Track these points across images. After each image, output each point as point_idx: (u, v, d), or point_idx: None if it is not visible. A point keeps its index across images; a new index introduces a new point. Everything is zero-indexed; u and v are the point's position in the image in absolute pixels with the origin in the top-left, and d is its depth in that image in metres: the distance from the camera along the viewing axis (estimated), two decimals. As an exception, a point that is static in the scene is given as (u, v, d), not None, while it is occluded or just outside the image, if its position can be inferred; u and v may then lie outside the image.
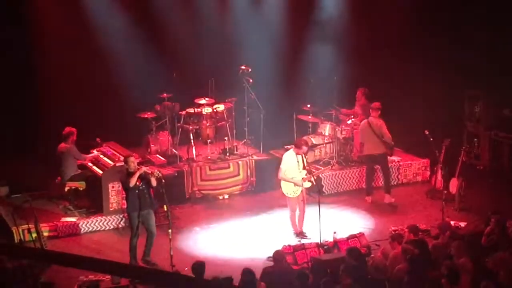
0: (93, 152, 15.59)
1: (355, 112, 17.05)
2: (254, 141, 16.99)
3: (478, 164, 17.46)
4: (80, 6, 16.97)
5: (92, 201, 15.05)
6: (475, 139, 17.42)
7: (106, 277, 12.05)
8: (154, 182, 12.85)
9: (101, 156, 15.40)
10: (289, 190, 13.93)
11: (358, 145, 16.48)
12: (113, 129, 16.63)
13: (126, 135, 16.77)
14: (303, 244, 13.37)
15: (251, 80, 16.53)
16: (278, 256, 11.63)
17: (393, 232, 13.53)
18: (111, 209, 14.66)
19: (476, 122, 17.73)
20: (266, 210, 15.41)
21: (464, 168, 15.48)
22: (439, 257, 11.38)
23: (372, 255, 13.01)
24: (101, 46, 17.08)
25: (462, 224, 14.32)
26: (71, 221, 14.53)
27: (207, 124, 16.45)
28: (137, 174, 12.79)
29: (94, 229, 14.56)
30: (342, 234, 13.56)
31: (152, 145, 16.48)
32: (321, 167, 15.85)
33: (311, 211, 13.94)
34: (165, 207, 12.82)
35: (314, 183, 14.02)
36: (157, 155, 16.31)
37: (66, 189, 14.99)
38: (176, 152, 16.29)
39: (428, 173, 16.84)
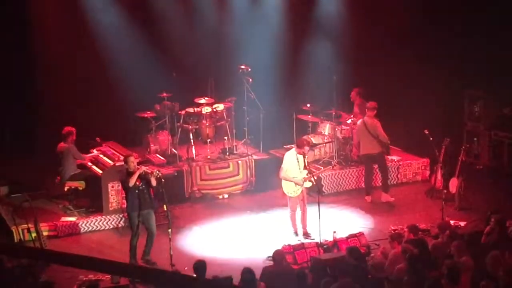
0: (93, 152, 15.59)
1: (354, 113, 17.05)
2: (253, 140, 16.99)
3: (478, 164, 17.46)
4: (80, 6, 16.98)
5: (91, 200, 15.04)
6: (475, 139, 17.42)
7: (106, 276, 12.04)
8: (154, 182, 12.84)
9: (101, 155, 15.39)
10: (290, 189, 13.93)
11: (357, 144, 16.49)
12: (112, 129, 16.65)
13: (125, 135, 16.78)
14: (302, 243, 13.36)
15: (250, 80, 16.53)
16: (277, 256, 11.62)
17: (392, 232, 13.53)
18: (110, 209, 14.65)
19: (476, 121, 17.72)
20: (266, 210, 15.40)
21: (464, 167, 15.47)
22: (439, 256, 11.37)
23: (372, 255, 13.01)
24: (101, 46, 17.08)
25: (462, 224, 14.31)
26: (70, 221, 14.51)
27: (207, 124, 16.44)
28: (136, 174, 12.78)
29: (93, 229, 14.55)
30: (342, 234, 13.54)
31: (151, 145, 16.47)
32: (321, 167, 15.85)
33: (311, 210, 13.94)
34: (164, 206, 12.82)
35: (315, 183, 14.02)
36: (157, 155, 16.30)
37: (66, 188, 14.98)
38: (176, 152, 16.28)
39: (428, 172, 16.83)
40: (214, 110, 16.57)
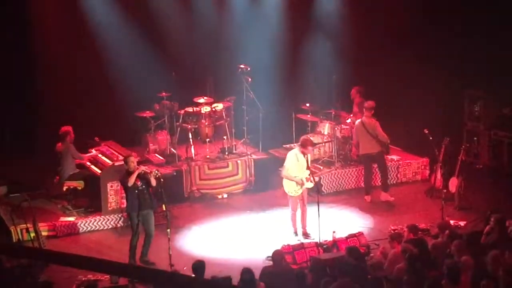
0: (92, 151, 15.57)
1: (353, 112, 17.03)
2: (253, 140, 16.97)
3: (477, 163, 17.44)
4: (79, 6, 16.97)
5: (90, 200, 15.02)
6: (475, 138, 17.39)
7: (105, 276, 12.04)
8: (153, 182, 12.83)
9: (100, 155, 15.37)
10: (291, 188, 13.91)
11: (356, 144, 16.46)
12: (112, 128, 16.63)
13: (125, 134, 16.76)
14: (302, 243, 13.35)
15: (250, 79, 16.52)
16: (277, 256, 11.61)
17: (392, 231, 13.51)
18: (109, 209, 14.63)
19: (476, 121, 17.71)
20: (265, 209, 15.38)
21: (463, 167, 15.45)
22: (438, 256, 11.35)
23: (372, 255, 13.00)
24: (100, 46, 17.08)
25: (462, 223, 14.30)
26: (69, 221, 14.50)
27: (206, 123, 16.42)
28: (135, 174, 12.77)
29: (92, 229, 14.53)
30: (341, 234, 13.53)
31: (150, 144, 16.45)
32: (320, 167, 15.83)
33: (310, 210, 13.92)
34: (163, 206, 12.81)
35: (315, 183, 13.99)
36: (156, 154, 16.28)
37: (65, 188, 14.96)
38: (175, 151, 16.26)
39: (428, 172, 16.81)
40: (213, 109, 16.55)
